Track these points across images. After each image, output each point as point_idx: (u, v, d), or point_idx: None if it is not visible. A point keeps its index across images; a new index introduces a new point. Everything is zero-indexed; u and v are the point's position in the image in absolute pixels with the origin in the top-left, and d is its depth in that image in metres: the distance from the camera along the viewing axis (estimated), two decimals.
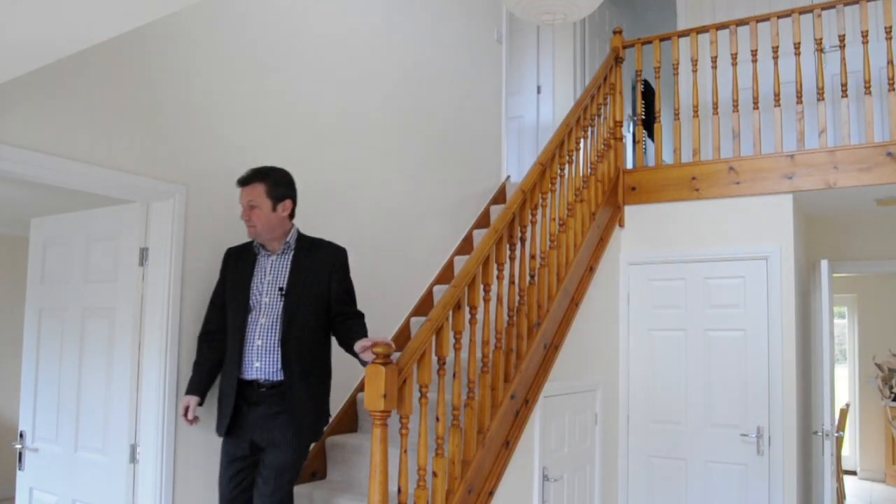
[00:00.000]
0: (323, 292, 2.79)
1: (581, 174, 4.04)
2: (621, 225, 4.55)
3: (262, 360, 2.72)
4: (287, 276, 2.78)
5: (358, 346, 2.58)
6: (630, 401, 4.45)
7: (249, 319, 2.76)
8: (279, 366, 2.71)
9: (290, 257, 2.82)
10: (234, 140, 3.27)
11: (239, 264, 2.86)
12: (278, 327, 2.73)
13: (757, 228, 4.16)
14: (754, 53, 4.27)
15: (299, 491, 3.22)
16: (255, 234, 2.79)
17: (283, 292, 2.75)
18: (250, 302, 2.78)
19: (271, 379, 2.72)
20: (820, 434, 4.04)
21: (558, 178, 3.79)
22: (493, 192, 5.26)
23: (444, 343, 2.73)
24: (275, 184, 2.78)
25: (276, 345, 2.72)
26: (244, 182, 2.80)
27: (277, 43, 3.53)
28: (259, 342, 2.73)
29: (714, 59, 4.40)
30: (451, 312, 2.76)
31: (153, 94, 2.91)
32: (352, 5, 4.04)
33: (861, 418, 8.25)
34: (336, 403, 3.71)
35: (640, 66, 4.68)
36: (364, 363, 2.55)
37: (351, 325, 2.77)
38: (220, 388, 2.83)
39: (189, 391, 2.83)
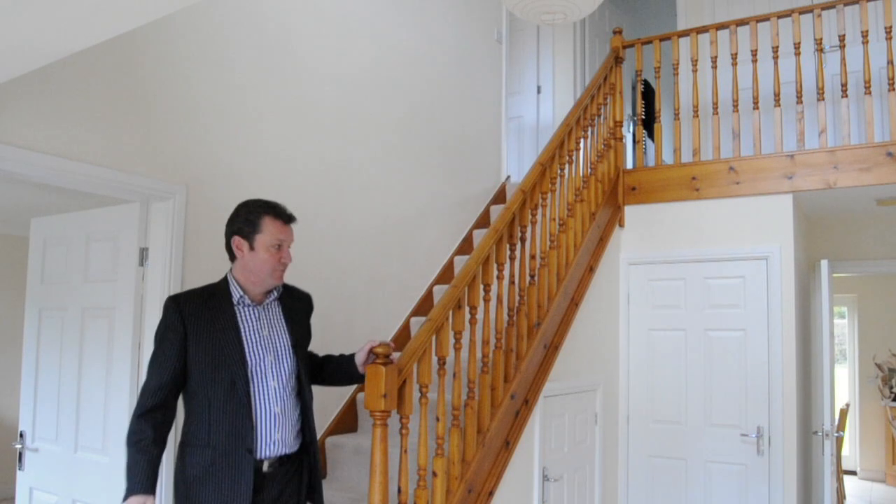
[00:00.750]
0: (306, 343, 2.48)
1: (581, 174, 4.04)
2: (621, 225, 4.55)
3: (281, 430, 2.25)
4: (287, 327, 2.38)
5: (358, 356, 2.42)
6: (630, 401, 4.45)
7: (253, 387, 2.22)
8: (296, 432, 2.32)
9: (280, 307, 2.39)
10: (234, 140, 3.27)
11: (209, 317, 2.24)
12: (295, 388, 2.34)
13: (757, 228, 4.16)
14: (754, 53, 4.27)
15: None
16: (281, 279, 2.36)
17: (294, 347, 2.36)
18: (248, 364, 2.24)
19: (286, 452, 2.27)
20: (820, 434, 4.04)
21: (558, 178, 3.79)
22: (493, 192, 5.27)
23: (444, 343, 2.73)
24: None
25: (291, 409, 2.31)
26: (293, 219, 2.36)
27: (277, 43, 3.53)
28: (277, 409, 2.24)
29: (714, 59, 4.40)
30: (451, 312, 2.76)
31: (154, 94, 2.91)
32: (352, 6, 4.05)
33: (861, 418, 8.25)
34: (336, 403, 3.71)
35: (640, 66, 4.68)
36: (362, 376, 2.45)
37: (328, 356, 2.57)
38: (214, 479, 2.16)
39: (138, 490, 2.08)
